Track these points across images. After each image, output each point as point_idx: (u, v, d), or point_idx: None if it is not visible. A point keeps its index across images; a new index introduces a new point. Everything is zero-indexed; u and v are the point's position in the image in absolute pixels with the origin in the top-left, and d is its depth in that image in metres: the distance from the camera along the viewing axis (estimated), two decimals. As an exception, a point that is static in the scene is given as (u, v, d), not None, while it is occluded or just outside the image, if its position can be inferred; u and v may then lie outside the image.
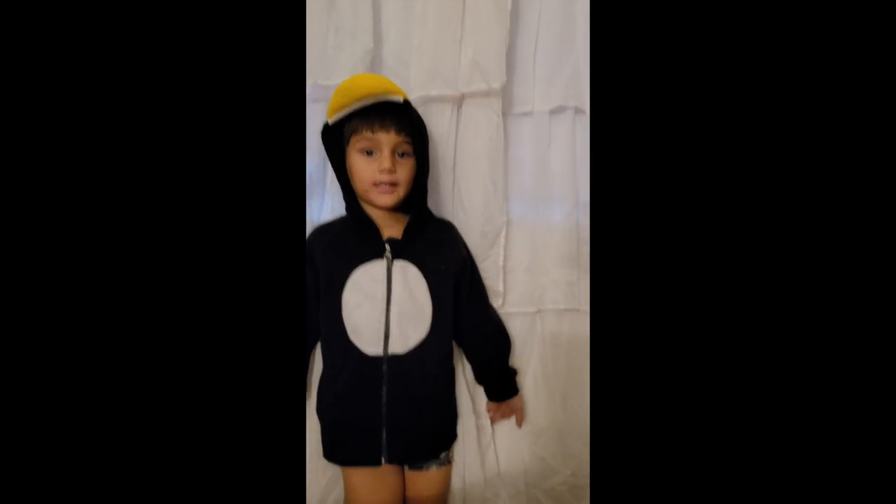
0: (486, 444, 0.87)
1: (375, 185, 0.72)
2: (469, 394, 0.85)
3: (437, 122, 0.83)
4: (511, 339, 0.87)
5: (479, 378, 0.84)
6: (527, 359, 0.89)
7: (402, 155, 0.74)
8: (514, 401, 0.85)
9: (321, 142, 0.76)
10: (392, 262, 0.73)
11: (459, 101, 0.85)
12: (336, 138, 0.75)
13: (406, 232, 0.76)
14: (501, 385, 0.84)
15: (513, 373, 0.85)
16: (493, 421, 0.86)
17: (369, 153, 0.73)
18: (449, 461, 0.81)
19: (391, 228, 0.76)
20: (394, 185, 0.73)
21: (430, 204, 0.82)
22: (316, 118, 0.80)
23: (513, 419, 0.88)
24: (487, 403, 0.86)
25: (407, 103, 0.73)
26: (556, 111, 0.87)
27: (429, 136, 0.78)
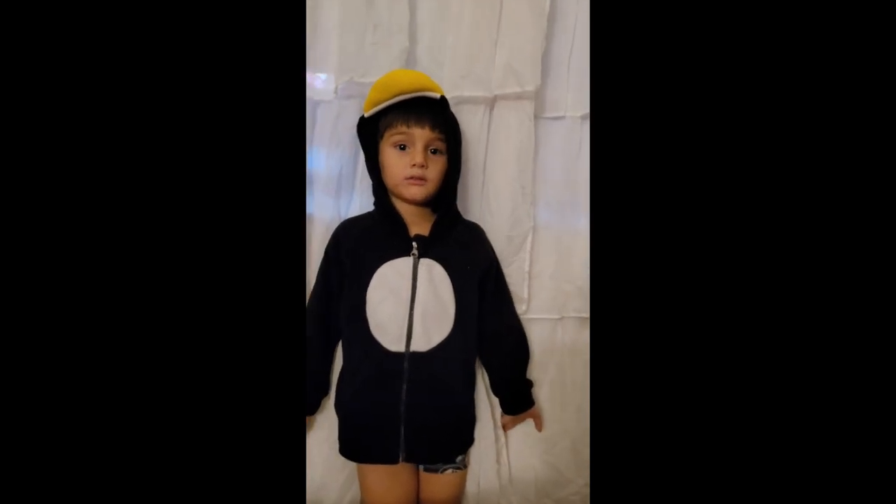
0: (499, 451, 0.86)
1: (406, 179, 0.73)
2: (488, 400, 0.84)
3: (470, 123, 0.83)
4: (530, 346, 0.86)
5: (495, 388, 0.83)
6: (545, 366, 0.88)
7: (435, 152, 0.74)
8: (531, 411, 0.84)
9: (355, 137, 0.77)
10: (419, 259, 0.73)
11: (492, 103, 0.84)
12: (370, 133, 0.76)
13: (434, 230, 0.75)
14: (517, 397, 0.83)
15: (528, 384, 0.84)
16: (506, 429, 0.85)
17: (402, 147, 0.73)
18: (465, 465, 0.80)
19: (419, 226, 0.76)
20: (424, 179, 0.73)
21: (459, 205, 0.82)
22: (349, 115, 0.81)
23: (529, 424, 0.86)
24: (502, 416, 0.84)
25: (444, 100, 0.73)
26: (589, 117, 0.86)
27: (462, 135, 0.78)
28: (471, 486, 0.84)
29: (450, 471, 0.77)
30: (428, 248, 0.74)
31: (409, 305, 0.71)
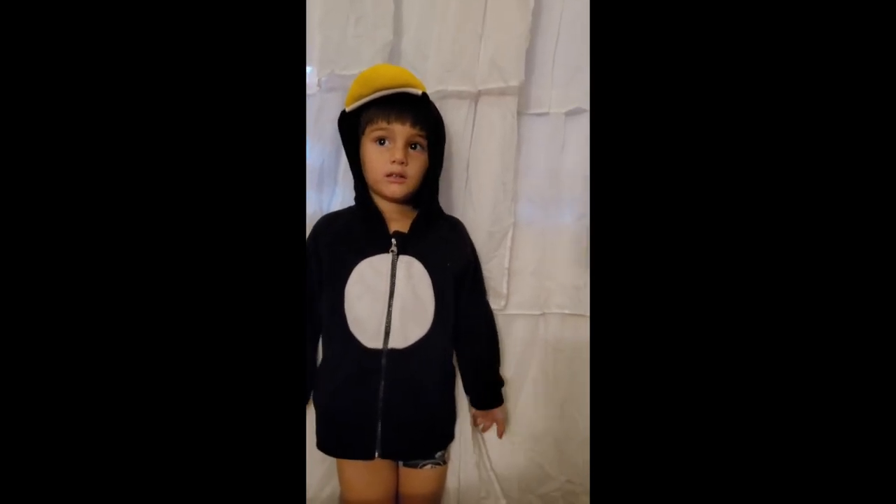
0: (480, 448, 0.86)
1: (387, 175, 0.72)
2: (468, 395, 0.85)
3: (454, 118, 0.83)
4: (508, 342, 0.87)
5: (466, 385, 0.83)
6: (527, 363, 0.88)
7: (415, 147, 0.74)
8: (496, 411, 0.84)
9: (337, 131, 0.76)
10: (397, 256, 0.73)
11: (476, 98, 0.84)
12: (352, 127, 0.75)
13: (413, 227, 0.75)
14: (486, 393, 0.83)
15: (499, 382, 0.84)
16: (477, 425, 0.85)
17: (382, 142, 0.72)
18: (444, 461, 0.81)
19: (398, 222, 0.75)
20: (404, 176, 0.72)
21: (442, 200, 0.81)
22: (332, 108, 0.80)
23: (513, 421, 0.87)
24: (473, 409, 0.84)
25: (425, 97, 0.73)
26: (573, 113, 0.86)
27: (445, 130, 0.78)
28: (452, 482, 0.85)
29: (429, 466, 0.77)
30: (407, 244, 0.73)
31: (387, 302, 0.71)
